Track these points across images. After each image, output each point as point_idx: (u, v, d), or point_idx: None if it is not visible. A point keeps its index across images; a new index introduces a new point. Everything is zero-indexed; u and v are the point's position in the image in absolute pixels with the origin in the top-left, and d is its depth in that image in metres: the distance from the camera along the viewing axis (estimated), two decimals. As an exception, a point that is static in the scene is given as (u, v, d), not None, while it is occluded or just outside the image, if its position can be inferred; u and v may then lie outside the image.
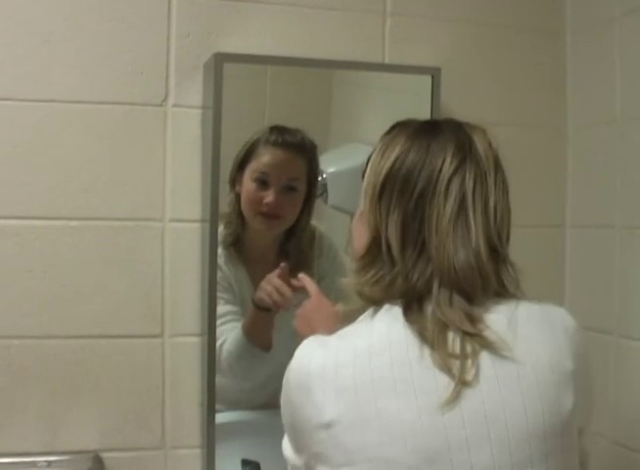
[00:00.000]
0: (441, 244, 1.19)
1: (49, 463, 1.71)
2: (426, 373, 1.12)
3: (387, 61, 1.92)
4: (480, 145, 1.25)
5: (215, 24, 1.82)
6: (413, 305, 1.18)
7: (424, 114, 1.87)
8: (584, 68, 2.04)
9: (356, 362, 1.14)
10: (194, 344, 1.81)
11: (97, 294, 1.76)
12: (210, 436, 1.77)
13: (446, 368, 1.12)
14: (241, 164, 1.87)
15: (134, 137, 1.78)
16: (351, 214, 2.02)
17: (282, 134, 1.88)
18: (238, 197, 1.88)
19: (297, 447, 1.18)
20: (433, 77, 1.89)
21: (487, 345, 1.15)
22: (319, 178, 1.95)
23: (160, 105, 1.79)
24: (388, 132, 1.31)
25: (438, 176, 1.21)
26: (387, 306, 1.20)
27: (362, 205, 1.30)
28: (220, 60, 1.74)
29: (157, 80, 1.79)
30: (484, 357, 1.14)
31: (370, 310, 1.22)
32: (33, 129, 1.73)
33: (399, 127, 1.30)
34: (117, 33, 1.77)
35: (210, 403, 1.77)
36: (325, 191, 1.96)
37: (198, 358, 1.81)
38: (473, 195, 1.21)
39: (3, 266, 1.72)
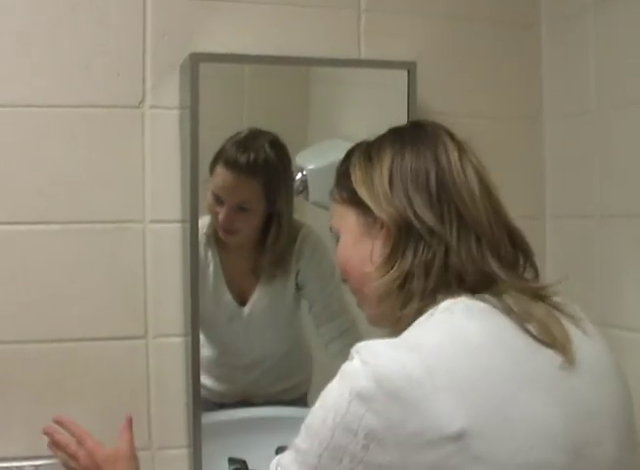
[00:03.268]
0: (483, 217, 1.17)
1: (36, 467, 1.70)
2: (541, 364, 1.06)
3: (362, 56, 1.92)
4: (446, 138, 1.25)
5: (191, 25, 1.82)
6: (483, 290, 1.13)
7: (401, 108, 1.88)
8: (559, 58, 2.05)
9: (472, 363, 1.03)
10: (178, 344, 1.81)
11: (79, 297, 1.76)
12: (197, 435, 1.77)
13: (559, 354, 1.08)
14: (211, 168, 1.87)
15: (112, 139, 1.78)
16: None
17: (239, 152, 1.86)
18: None
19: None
20: (408, 72, 1.89)
21: (575, 321, 1.16)
22: (298, 175, 1.95)
23: (138, 106, 1.79)
24: (358, 155, 1.28)
25: (449, 159, 1.20)
26: (460, 299, 1.11)
27: (356, 226, 1.25)
28: (196, 60, 1.74)
29: (133, 82, 1.79)
30: (578, 342, 1.12)
31: (436, 309, 1.11)
32: (11, 134, 1.72)
33: (368, 144, 1.29)
34: (93, 35, 1.76)
35: (196, 403, 1.77)
36: (306, 188, 1.96)
37: (182, 358, 1.80)
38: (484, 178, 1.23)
39: (-15, 272, 1.72)
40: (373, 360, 1.03)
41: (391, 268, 1.17)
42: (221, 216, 1.87)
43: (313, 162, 1.95)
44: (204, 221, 1.85)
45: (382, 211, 1.19)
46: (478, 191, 1.19)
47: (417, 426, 0.97)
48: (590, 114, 1.93)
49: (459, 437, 0.96)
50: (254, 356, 1.99)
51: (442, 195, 1.17)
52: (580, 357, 1.09)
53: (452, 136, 1.26)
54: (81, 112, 1.76)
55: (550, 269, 2.07)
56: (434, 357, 1.02)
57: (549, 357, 1.07)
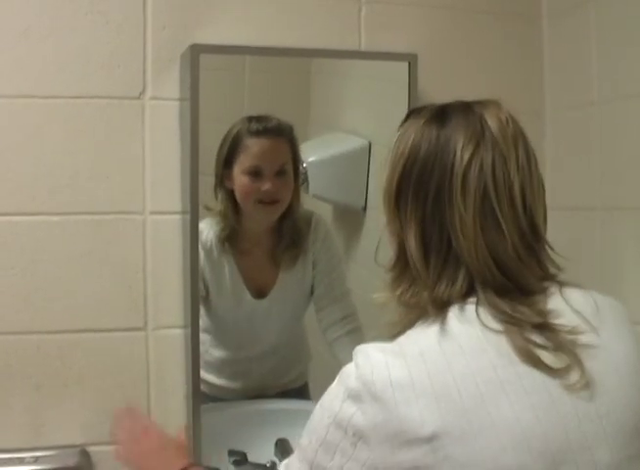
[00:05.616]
0: (472, 247, 1.10)
1: (36, 459, 1.71)
2: (529, 369, 1.05)
3: (363, 48, 1.92)
4: (493, 124, 1.15)
5: (191, 16, 1.81)
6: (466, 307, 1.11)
7: (402, 100, 1.88)
8: (561, 50, 2.04)
9: (453, 367, 1.04)
10: (177, 336, 1.81)
11: (79, 288, 1.76)
12: (196, 427, 1.77)
13: (546, 364, 1.06)
14: (227, 161, 1.87)
15: (113, 131, 1.78)
16: (333, 203, 2.05)
17: (261, 122, 1.87)
18: (230, 192, 1.88)
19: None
20: (409, 64, 1.89)
21: (571, 333, 1.10)
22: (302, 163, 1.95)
23: (138, 98, 1.79)
24: (402, 125, 1.21)
25: (452, 171, 1.11)
26: (453, 309, 1.11)
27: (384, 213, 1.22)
28: (196, 51, 1.74)
29: (134, 73, 1.79)
30: (580, 348, 1.09)
31: (434, 315, 1.12)
32: (12, 125, 1.73)
33: (411, 119, 1.20)
34: (94, 27, 1.76)
35: (195, 395, 1.77)
36: (306, 180, 1.96)
37: (182, 350, 1.81)
38: (494, 184, 1.11)
39: (-15, 263, 1.72)
40: (363, 363, 1.07)
41: (390, 287, 1.21)
42: (266, 187, 1.87)
43: (314, 154, 1.96)
44: (208, 226, 1.87)
45: (387, 221, 1.21)
46: (473, 211, 1.11)
47: (396, 427, 1.02)
48: (592, 106, 1.92)
49: (432, 438, 1.00)
50: (271, 345, 1.99)
51: (436, 216, 1.13)
52: (580, 372, 1.07)
53: (473, 130, 1.15)
54: (82, 103, 1.76)
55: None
56: (417, 364, 1.05)
57: (533, 367, 1.06)
